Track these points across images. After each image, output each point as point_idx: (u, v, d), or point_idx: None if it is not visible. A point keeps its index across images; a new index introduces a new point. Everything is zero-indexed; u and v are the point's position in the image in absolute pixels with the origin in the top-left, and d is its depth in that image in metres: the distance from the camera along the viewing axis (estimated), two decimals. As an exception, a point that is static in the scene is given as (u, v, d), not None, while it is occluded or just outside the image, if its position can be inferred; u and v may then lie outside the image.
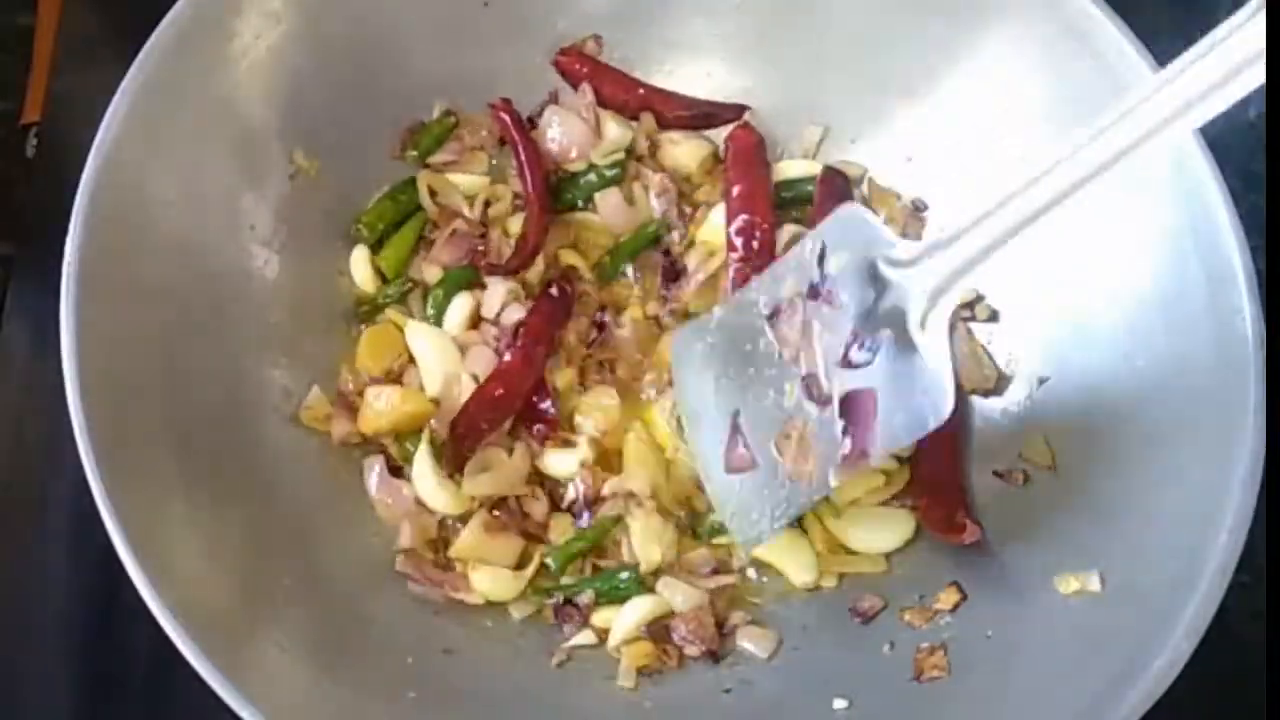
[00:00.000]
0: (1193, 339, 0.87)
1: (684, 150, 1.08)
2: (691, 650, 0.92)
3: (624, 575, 0.94)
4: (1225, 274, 0.86)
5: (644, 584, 0.94)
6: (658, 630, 0.93)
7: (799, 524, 0.96)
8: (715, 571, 0.95)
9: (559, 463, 0.97)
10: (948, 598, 0.91)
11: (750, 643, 0.93)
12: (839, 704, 0.87)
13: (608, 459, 0.98)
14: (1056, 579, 0.87)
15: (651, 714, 0.90)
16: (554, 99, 1.08)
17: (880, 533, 0.97)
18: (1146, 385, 0.89)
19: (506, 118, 1.05)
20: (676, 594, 0.93)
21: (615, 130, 1.06)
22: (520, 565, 0.95)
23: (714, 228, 1.04)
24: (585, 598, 0.94)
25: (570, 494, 0.96)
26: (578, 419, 0.98)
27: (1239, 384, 0.83)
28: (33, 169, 1.19)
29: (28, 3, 1.27)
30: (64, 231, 0.83)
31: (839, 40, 1.04)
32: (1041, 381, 0.97)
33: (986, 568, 0.91)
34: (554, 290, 1.00)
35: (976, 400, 1.00)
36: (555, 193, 1.06)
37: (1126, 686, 0.77)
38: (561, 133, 1.07)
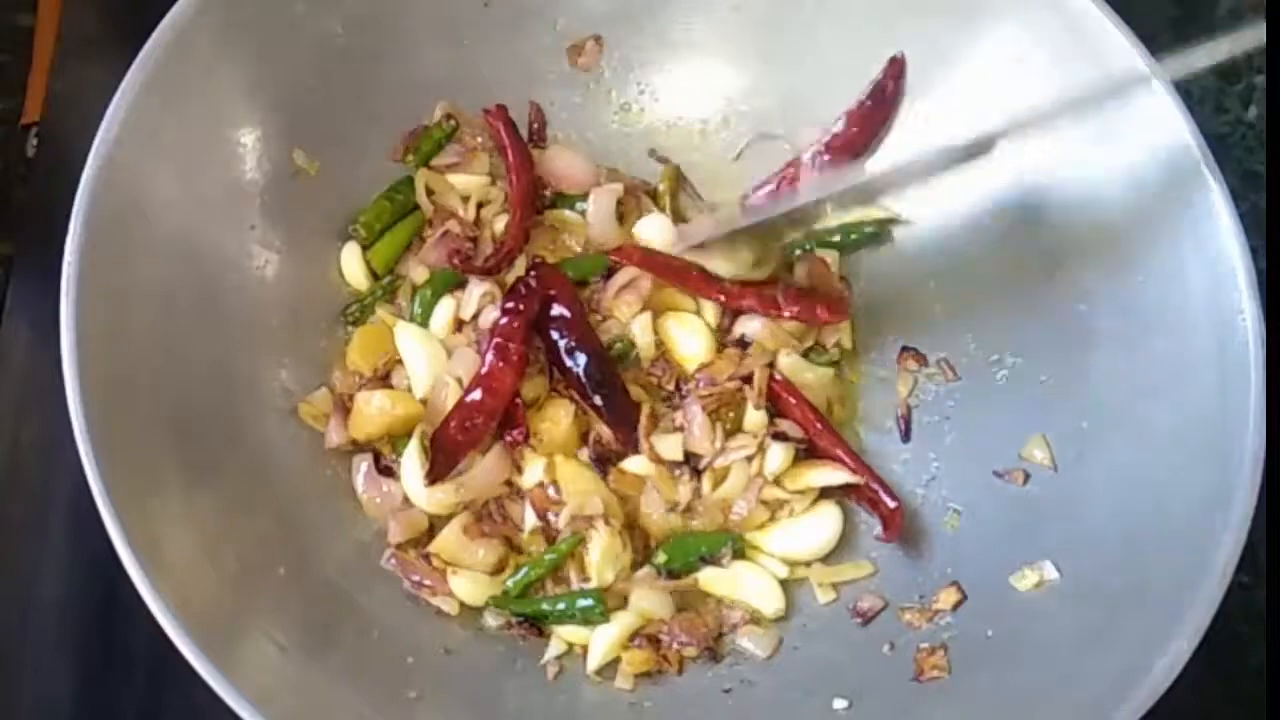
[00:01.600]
0: (1193, 339, 0.87)
1: None
2: (690, 651, 0.92)
3: (586, 601, 0.92)
4: (1225, 274, 0.86)
5: (605, 607, 0.92)
6: (648, 638, 0.93)
7: (746, 556, 0.96)
8: (672, 576, 0.95)
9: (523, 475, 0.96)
10: (948, 598, 0.91)
11: (750, 642, 0.93)
12: (839, 704, 0.87)
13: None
14: (1013, 577, 0.88)
15: (651, 714, 0.90)
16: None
17: (809, 536, 0.97)
18: (1146, 385, 0.89)
19: (499, 124, 1.05)
20: (654, 603, 0.93)
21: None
22: (499, 570, 0.95)
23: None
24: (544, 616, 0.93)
25: (528, 518, 0.95)
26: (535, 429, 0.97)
27: (1239, 384, 0.83)
28: (33, 169, 1.19)
29: (28, 3, 1.27)
30: (64, 231, 0.83)
31: (839, 40, 1.04)
32: (1041, 382, 0.97)
33: (987, 568, 0.91)
34: (522, 287, 0.97)
35: (976, 400, 1.00)
36: (551, 200, 1.07)
37: (1126, 686, 0.77)
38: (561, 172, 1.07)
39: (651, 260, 1.00)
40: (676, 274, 1.00)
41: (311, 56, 0.98)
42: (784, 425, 0.98)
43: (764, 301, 1.00)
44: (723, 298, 1.00)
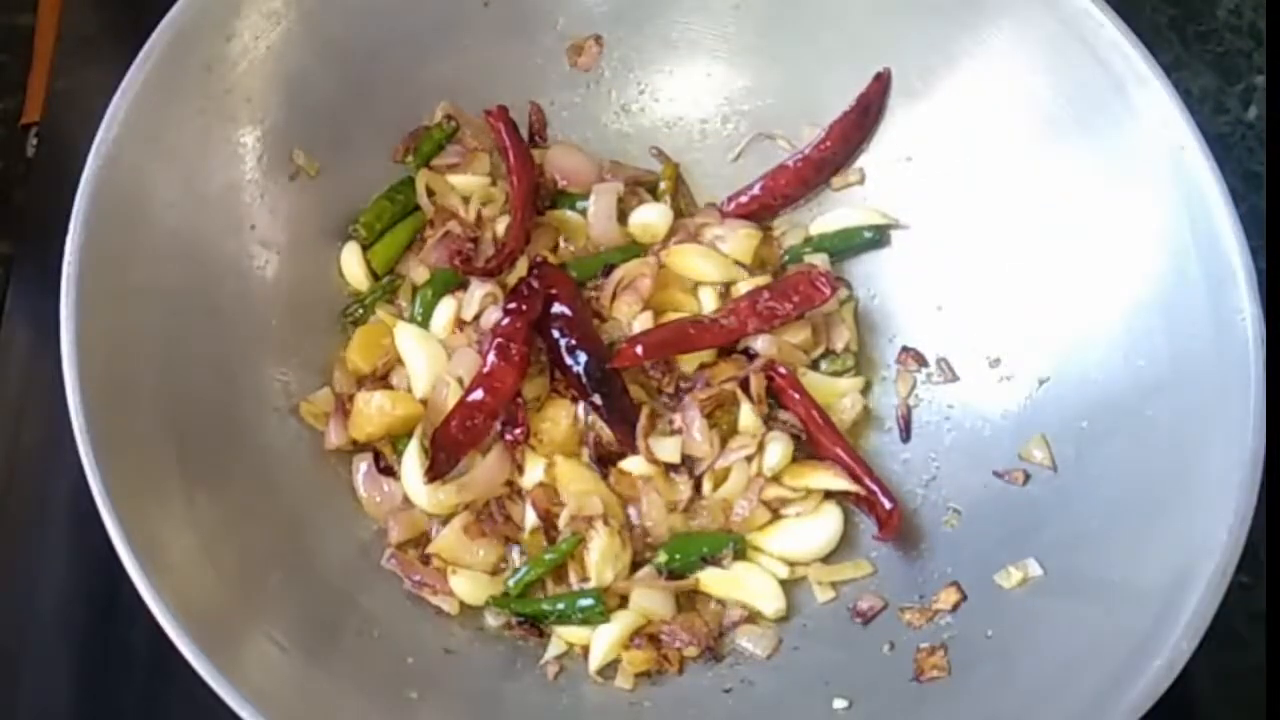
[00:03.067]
0: (1193, 339, 0.87)
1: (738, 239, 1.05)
2: (690, 651, 0.92)
3: (586, 601, 0.92)
4: (1225, 274, 0.86)
5: (606, 606, 0.92)
6: (649, 638, 0.93)
7: (747, 557, 0.96)
8: (672, 576, 0.95)
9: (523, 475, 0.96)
10: (948, 598, 0.91)
11: (750, 642, 0.93)
12: (839, 704, 0.87)
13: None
14: (998, 576, 0.88)
15: (651, 714, 0.90)
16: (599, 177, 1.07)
17: (810, 536, 0.97)
18: (1146, 385, 0.89)
19: (500, 124, 1.05)
20: (655, 603, 0.93)
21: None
22: (499, 570, 0.95)
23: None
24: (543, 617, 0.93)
25: (529, 517, 0.95)
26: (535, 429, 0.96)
27: (1239, 384, 0.83)
28: (33, 169, 1.19)
29: (28, 3, 1.27)
30: (64, 231, 0.84)
31: (839, 40, 1.04)
32: (1041, 382, 0.97)
33: (986, 568, 0.91)
34: (524, 288, 0.97)
35: (977, 400, 1.00)
36: (551, 200, 1.07)
37: (1126, 686, 0.77)
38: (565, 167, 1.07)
39: (649, 341, 0.97)
40: (678, 337, 0.98)
41: (311, 57, 0.98)
42: (782, 415, 0.98)
43: (763, 317, 0.99)
44: (728, 337, 0.99)
